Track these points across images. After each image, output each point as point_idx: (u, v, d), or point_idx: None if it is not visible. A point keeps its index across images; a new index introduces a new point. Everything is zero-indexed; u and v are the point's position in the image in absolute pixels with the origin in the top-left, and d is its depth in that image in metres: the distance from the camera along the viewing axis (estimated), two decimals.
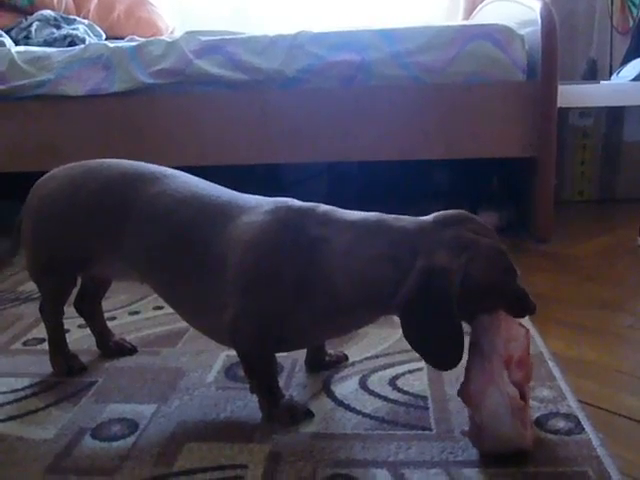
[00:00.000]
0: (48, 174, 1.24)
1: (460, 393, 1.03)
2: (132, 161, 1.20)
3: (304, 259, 0.97)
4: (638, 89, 2.61)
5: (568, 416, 1.05)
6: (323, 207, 1.03)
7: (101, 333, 1.36)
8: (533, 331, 1.37)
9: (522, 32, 2.12)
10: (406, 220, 0.98)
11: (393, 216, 0.99)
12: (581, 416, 1.05)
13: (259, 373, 1.07)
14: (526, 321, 1.42)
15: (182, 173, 1.18)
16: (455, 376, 1.18)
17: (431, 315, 0.90)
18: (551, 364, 1.23)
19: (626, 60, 3.28)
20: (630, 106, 2.58)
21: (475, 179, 2.60)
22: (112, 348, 1.35)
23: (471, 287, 0.91)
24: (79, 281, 1.31)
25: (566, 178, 2.64)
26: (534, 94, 2.04)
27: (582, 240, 2.14)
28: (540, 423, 1.03)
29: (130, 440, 1.02)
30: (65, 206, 1.18)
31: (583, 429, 1.01)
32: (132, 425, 1.07)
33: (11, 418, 1.10)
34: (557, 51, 2.00)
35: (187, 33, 2.26)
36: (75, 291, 1.31)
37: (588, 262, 1.93)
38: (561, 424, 1.03)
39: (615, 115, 2.61)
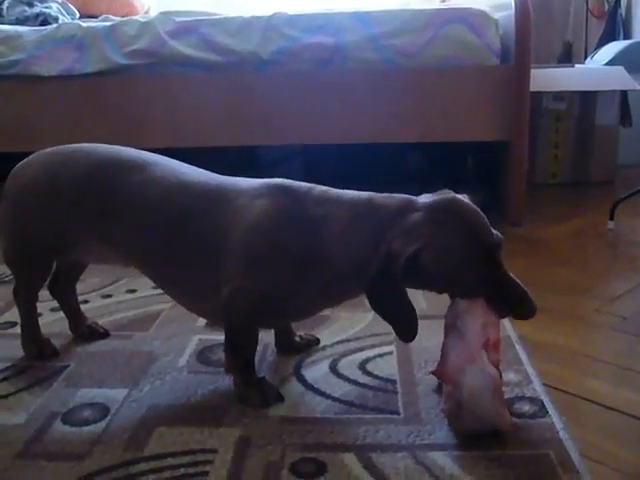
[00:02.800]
0: (25, 161, 1.23)
1: (436, 372, 1.05)
2: (109, 146, 1.20)
3: (305, 238, 1.01)
4: (610, 74, 2.64)
5: (533, 400, 1.07)
6: (319, 188, 1.06)
7: (74, 316, 1.36)
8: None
9: (497, 16, 2.13)
10: (390, 202, 1.01)
11: (382, 196, 1.03)
12: (545, 400, 1.07)
13: (241, 350, 1.10)
14: None
15: (164, 158, 1.18)
16: (424, 360, 1.21)
17: (385, 294, 0.96)
18: (518, 348, 1.26)
19: (601, 44, 3.32)
20: (603, 90, 2.61)
21: (450, 161, 2.62)
22: (85, 332, 1.35)
23: (421, 273, 0.95)
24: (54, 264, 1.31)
25: (539, 161, 2.67)
26: (507, 78, 2.05)
27: (554, 223, 2.17)
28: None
29: (101, 425, 1.03)
30: (44, 194, 1.17)
31: (547, 412, 1.03)
32: (103, 410, 1.07)
33: None
34: (530, 36, 2.02)
35: (162, 13, 2.25)
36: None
37: (559, 245, 1.96)
38: (526, 407, 1.05)
39: (588, 99, 2.63)
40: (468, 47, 2.08)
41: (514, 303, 0.98)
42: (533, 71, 2.12)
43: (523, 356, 1.22)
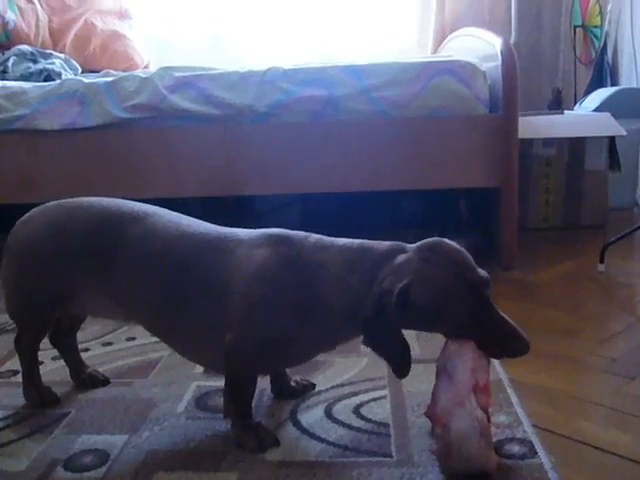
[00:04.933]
0: (27, 215, 1.27)
1: (428, 413, 1.08)
2: (111, 199, 1.24)
3: (303, 285, 1.06)
4: (598, 120, 2.72)
5: (523, 441, 1.10)
6: (314, 236, 1.12)
7: (75, 365, 1.39)
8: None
9: (485, 66, 2.21)
10: (381, 247, 1.07)
11: (373, 242, 1.09)
12: (535, 441, 1.10)
13: (241, 396, 1.13)
14: None
15: (163, 210, 1.22)
16: (417, 403, 1.23)
17: (379, 331, 1.01)
18: (510, 390, 1.28)
19: (589, 90, 3.41)
20: (591, 136, 2.68)
21: (443, 208, 2.67)
22: (85, 380, 1.38)
23: (412, 308, 0.99)
24: None
25: (531, 206, 2.72)
26: (496, 127, 2.12)
27: (545, 267, 2.21)
28: (496, 448, 1.07)
29: (101, 470, 1.05)
30: (46, 249, 1.21)
31: (536, 453, 1.06)
32: (103, 455, 1.10)
33: None
34: (517, 86, 2.09)
35: (161, 69, 2.32)
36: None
37: (550, 288, 2.00)
38: (516, 449, 1.08)
39: (577, 145, 2.70)
40: (457, 98, 2.15)
41: (505, 340, 1.02)
42: (523, 118, 2.19)
43: (514, 398, 1.25)
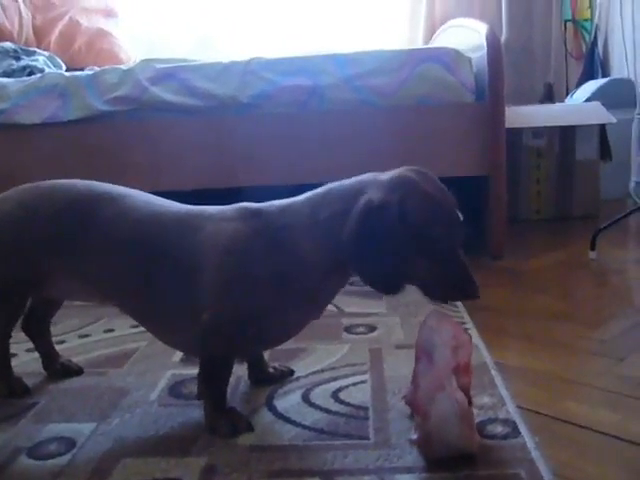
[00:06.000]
0: (1, 196, 1.23)
1: (407, 400, 1.04)
2: (84, 181, 1.21)
3: (277, 252, 1.03)
4: (587, 109, 2.68)
5: (506, 421, 1.06)
6: (276, 202, 1.08)
7: (47, 354, 1.34)
8: (479, 342, 1.38)
9: (474, 56, 2.17)
10: (348, 181, 1.04)
11: (341, 181, 1.05)
12: (519, 421, 1.06)
13: (216, 379, 1.09)
14: (474, 333, 1.44)
15: (135, 191, 1.19)
16: (398, 386, 1.19)
17: (370, 247, 0.96)
18: (494, 373, 1.24)
19: (580, 83, 3.37)
20: (581, 126, 2.64)
21: None
22: (58, 370, 1.33)
23: (405, 223, 0.95)
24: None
25: (522, 197, 2.68)
26: (483, 115, 2.08)
27: (535, 256, 2.17)
28: (478, 429, 1.02)
29: (66, 458, 1.01)
30: (17, 231, 1.17)
31: (519, 433, 1.02)
32: (69, 443, 1.05)
33: None
34: (503, 73, 2.05)
35: (143, 61, 2.29)
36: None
37: (540, 276, 1.96)
38: (498, 429, 1.04)
39: (567, 135, 2.66)
40: (443, 85, 2.11)
41: (459, 281, 0.98)
42: (512, 108, 2.16)
43: (498, 381, 1.20)
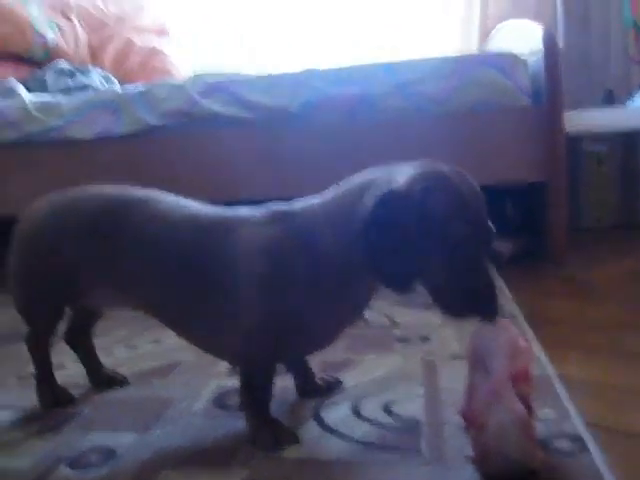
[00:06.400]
0: (35, 203, 1.23)
1: (462, 413, 0.97)
2: (116, 186, 1.19)
3: (305, 251, 0.98)
4: None
5: (572, 436, 0.97)
6: (303, 201, 1.04)
7: (91, 365, 1.32)
8: (540, 354, 1.30)
9: (530, 59, 2.10)
10: (369, 174, 0.98)
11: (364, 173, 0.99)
12: (586, 437, 0.97)
13: (257, 388, 1.04)
14: (535, 345, 1.36)
15: (168, 195, 1.16)
16: (453, 399, 1.12)
17: (383, 238, 0.89)
18: (557, 385, 1.16)
19: None
20: None
21: (489, 209, 2.54)
22: (102, 380, 1.31)
23: (425, 216, 0.88)
24: (69, 312, 1.29)
25: (583, 205, 2.57)
26: (540, 118, 2.01)
27: (599, 264, 2.07)
28: (541, 444, 0.95)
29: (105, 468, 0.98)
30: (54, 235, 1.16)
31: (587, 450, 0.93)
32: (109, 453, 1.02)
33: None
34: (561, 75, 1.98)
35: (194, 76, 2.30)
36: (65, 323, 1.29)
37: (605, 285, 1.85)
38: (564, 445, 0.95)
39: (631, 141, 2.55)
40: (498, 89, 2.04)
41: (478, 296, 0.90)
42: (571, 113, 2.07)
43: (562, 393, 1.12)
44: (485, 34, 3.29)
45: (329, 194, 1.02)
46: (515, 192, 2.46)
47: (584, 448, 0.94)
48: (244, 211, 1.08)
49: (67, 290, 1.17)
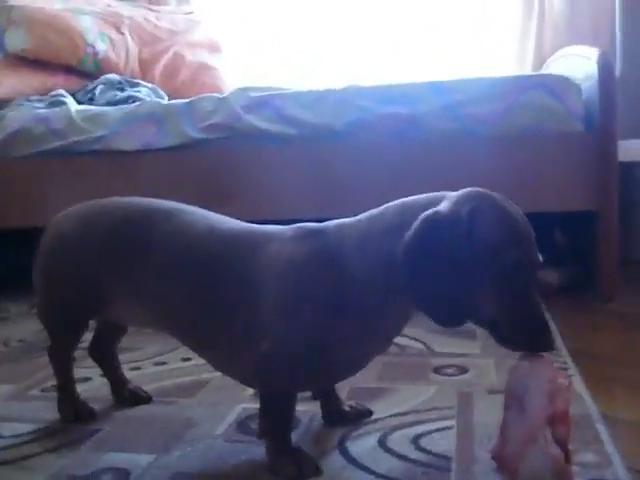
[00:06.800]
0: (61, 213, 1.21)
1: (494, 454, 0.92)
2: (144, 198, 1.17)
3: (333, 271, 0.93)
4: None
5: None
6: (337, 221, 1.00)
7: (115, 380, 1.30)
8: (583, 392, 1.22)
9: (584, 84, 2.02)
10: (412, 201, 0.93)
11: (403, 200, 0.95)
12: None
13: (277, 415, 0.99)
14: (577, 381, 1.28)
15: (196, 208, 1.13)
16: (487, 436, 1.05)
17: (427, 265, 0.85)
18: (599, 427, 1.08)
19: None
20: None
21: (538, 238, 2.45)
22: (126, 396, 1.28)
23: (474, 241, 0.84)
24: (93, 326, 1.26)
25: (636, 237, 2.46)
26: (592, 144, 1.92)
27: None
28: None
29: None
30: (77, 246, 1.14)
31: None
32: (124, 475, 0.98)
33: (2, 463, 1.04)
34: (615, 98, 1.89)
35: (238, 89, 2.29)
36: (89, 337, 1.27)
37: None
38: None
39: None
40: (549, 113, 1.97)
41: (529, 329, 0.85)
42: (626, 142, 1.98)
43: (604, 435, 1.04)
44: (541, 62, 3.21)
45: (364, 216, 0.98)
46: (565, 221, 2.37)
47: None
48: (274, 228, 1.04)
49: (89, 302, 1.15)
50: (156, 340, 1.68)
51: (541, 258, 0.89)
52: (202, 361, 1.48)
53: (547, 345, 0.86)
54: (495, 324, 0.88)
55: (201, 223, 1.07)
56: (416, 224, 0.85)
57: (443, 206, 0.86)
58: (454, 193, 0.90)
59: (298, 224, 1.03)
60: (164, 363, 1.54)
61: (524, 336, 0.86)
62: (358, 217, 0.98)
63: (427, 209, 0.87)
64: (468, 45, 3.25)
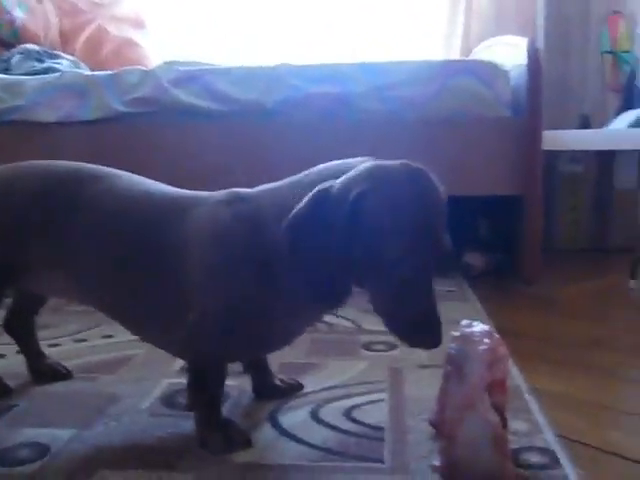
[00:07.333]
0: None
1: (432, 421, 0.91)
2: (70, 162, 1.10)
3: (257, 237, 0.90)
4: (629, 134, 2.55)
5: (543, 450, 0.91)
6: (268, 185, 0.96)
7: (32, 355, 1.23)
8: (511, 366, 1.24)
9: (513, 73, 2.06)
10: (342, 161, 0.90)
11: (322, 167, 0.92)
12: (558, 450, 0.91)
13: (206, 386, 0.95)
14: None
15: (124, 172, 1.08)
16: (419, 408, 1.05)
17: (308, 239, 0.82)
18: (528, 398, 1.10)
19: (618, 115, 3.24)
20: (621, 153, 2.50)
21: (461, 221, 2.49)
22: (45, 372, 1.22)
23: (356, 224, 0.80)
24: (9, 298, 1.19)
25: (557, 225, 2.54)
26: (520, 130, 1.96)
27: (571, 284, 2.03)
28: (513, 457, 0.89)
29: (36, 465, 0.89)
30: None
31: (560, 464, 0.87)
32: (42, 450, 0.93)
33: None
34: (542, 84, 1.94)
35: (165, 63, 2.22)
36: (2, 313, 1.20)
37: (576, 304, 1.81)
38: (535, 458, 0.89)
39: (605, 162, 2.53)
40: (477, 98, 2.00)
41: (417, 323, 0.81)
42: (548, 132, 2.03)
43: (533, 406, 1.06)
44: (467, 50, 3.27)
45: (286, 182, 0.94)
46: (489, 207, 2.42)
47: (556, 461, 0.88)
48: (205, 193, 1.00)
49: (8, 270, 1.06)
50: (75, 318, 1.61)
51: (449, 243, 0.85)
52: (124, 338, 1.45)
53: (428, 342, 0.82)
54: (381, 310, 0.85)
55: (132, 187, 1.02)
56: (305, 199, 0.83)
57: (337, 183, 0.83)
58: (362, 166, 0.86)
59: (230, 189, 0.99)
60: (84, 340, 1.48)
61: (405, 330, 0.83)
62: (281, 183, 0.95)
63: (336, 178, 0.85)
64: (397, 31, 3.28)
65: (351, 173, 0.84)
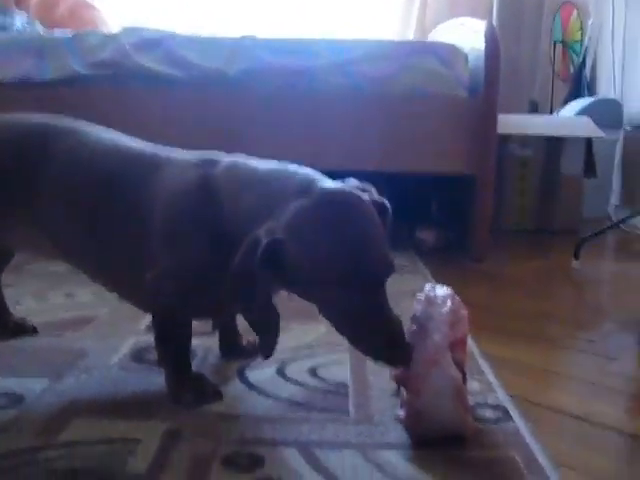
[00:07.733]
0: None
1: (397, 377, 0.96)
2: (41, 114, 1.10)
3: (218, 213, 0.90)
4: (577, 122, 2.66)
5: (496, 407, 0.98)
6: (237, 157, 0.96)
7: None
8: None
9: (471, 55, 2.12)
10: (292, 181, 0.87)
11: (289, 173, 0.89)
12: (509, 407, 0.98)
13: (172, 341, 0.98)
14: None
15: (100, 127, 1.09)
16: (379, 369, 1.10)
17: (244, 287, 0.82)
18: (481, 361, 1.17)
19: (566, 103, 3.36)
20: (568, 139, 2.61)
21: (414, 197, 2.56)
22: (10, 327, 1.22)
23: (286, 270, 0.82)
24: None
25: (505, 207, 2.63)
26: (475, 110, 2.03)
27: (517, 262, 2.12)
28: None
29: (11, 412, 0.91)
30: None
31: (511, 419, 0.94)
32: (16, 398, 0.95)
33: None
34: (499, 69, 2.01)
35: (128, 27, 2.19)
36: None
37: (522, 280, 1.90)
38: (488, 414, 0.96)
39: (554, 147, 2.63)
40: (437, 77, 2.05)
41: (384, 344, 0.83)
42: (501, 116, 2.10)
43: (485, 368, 1.13)
44: (423, 32, 3.33)
45: (264, 167, 0.91)
46: (442, 186, 2.49)
47: (507, 417, 0.95)
48: (178, 152, 1.01)
49: None
50: (36, 277, 1.61)
51: (392, 262, 0.87)
52: (86, 299, 1.47)
53: (394, 362, 0.86)
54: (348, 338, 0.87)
55: (102, 140, 1.02)
56: (243, 246, 0.82)
57: (264, 229, 0.81)
58: (295, 204, 0.83)
59: (208, 151, 1.01)
60: (46, 299, 1.48)
61: (369, 353, 0.85)
62: (260, 165, 0.93)
63: (297, 194, 0.84)
64: (359, 10, 3.31)
65: (279, 220, 0.82)
